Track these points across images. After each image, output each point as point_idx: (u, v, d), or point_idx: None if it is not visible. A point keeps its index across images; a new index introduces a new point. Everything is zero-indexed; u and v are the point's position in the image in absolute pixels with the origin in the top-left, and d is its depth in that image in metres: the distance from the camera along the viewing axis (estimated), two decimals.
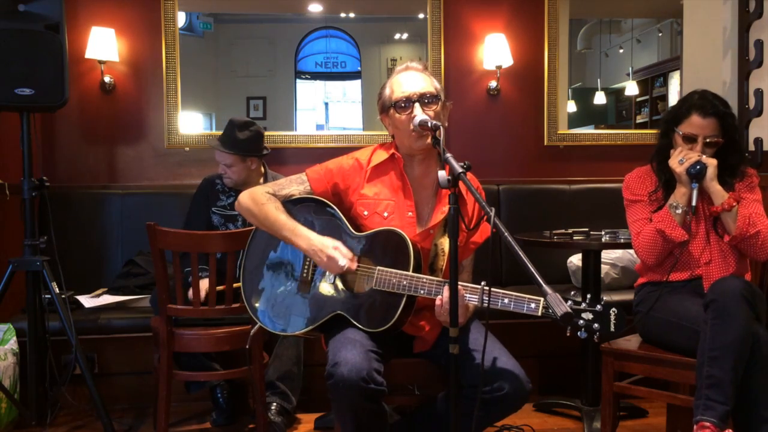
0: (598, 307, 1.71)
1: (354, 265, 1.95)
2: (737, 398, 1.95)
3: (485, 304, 1.80)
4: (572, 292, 1.77)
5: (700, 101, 2.28)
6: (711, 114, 2.25)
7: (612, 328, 1.70)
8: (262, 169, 3.16)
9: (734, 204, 2.20)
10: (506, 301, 1.81)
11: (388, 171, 2.09)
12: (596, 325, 1.71)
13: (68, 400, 3.00)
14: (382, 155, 2.10)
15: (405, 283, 1.89)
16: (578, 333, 1.70)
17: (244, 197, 2.10)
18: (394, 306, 1.90)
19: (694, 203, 2.21)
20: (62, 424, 3.00)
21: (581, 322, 1.71)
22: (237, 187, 3.06)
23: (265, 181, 3.12)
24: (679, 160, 2.24)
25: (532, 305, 1.79)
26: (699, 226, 2.30)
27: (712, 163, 2.22)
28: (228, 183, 3.06)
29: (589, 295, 1.75)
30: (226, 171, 3.03)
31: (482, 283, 1.84)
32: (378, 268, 1.93)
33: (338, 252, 1.93)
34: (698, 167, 2.20)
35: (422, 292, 1.88)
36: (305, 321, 1.99)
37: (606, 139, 4.24)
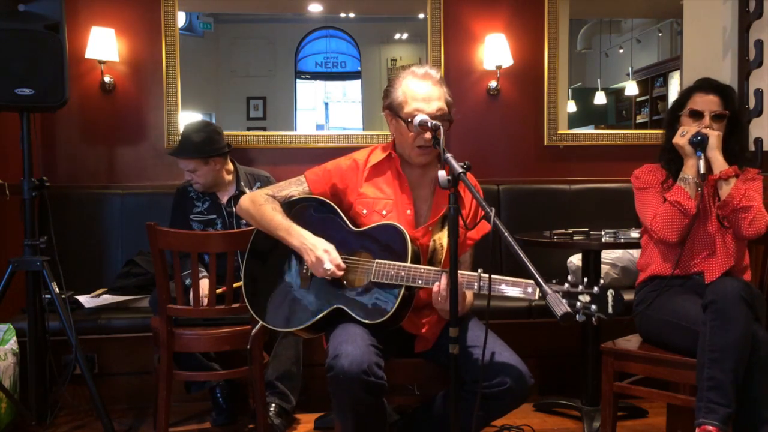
0: (596, 289, 1.71)
1: (339, 273, 1.96)
2: (737, 400, 1.95)
3: (483, 291, 1.81)
4: (569, 276, 1.76)
5: (698, 82, 2.37)
6: (712, 90, 2.32)
7: (610, 310, 1.70)
8: (231, 166, 3.14)
9: (732, 174, 2.21)
10: (503, 286, 1.82)
11: (385, 170, 2.12)
12: (594, 307, 1.70)
13: (68, 400, 3.01)
14: (379, 155, 2.13)
15: (403, 274, 1.91)
16: (576, 317, 1.70)
17: (244, 200, 2.13)
18: (392, 297, 1.92)
19: (702, 171, 2.21)
20: (62, 424, 3.00)
21: (578, 305, 1.71)
22: (208, 191, 3.06)
23: (237, 177, 3.12)
24: (681, 133, 2.28)
25: (530, 289, 1.79)
26: (707, 215, 2.30)
27: (713, 133, 2.25)
28: (198, 188, 3.05)
29: (586, 279, 1.74)
30: (191, 177, 3.01)
31: (479, 270, 1.86)
32: (376, 261, 1.95)
33: (327, 255, 1.95)
34: (700, 137, 2.23)
35: (420, 282, 1.90)
36: (306, 316, 2.00)
37: (606, 139, 4.24)
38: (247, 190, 2.99)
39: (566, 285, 1.72)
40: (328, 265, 1.93)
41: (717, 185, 2.25)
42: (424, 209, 2.10)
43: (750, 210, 2.19)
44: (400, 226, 1.97)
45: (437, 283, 1.87)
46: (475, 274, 1.86)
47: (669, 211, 2.27)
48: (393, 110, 2.06)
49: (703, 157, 2.23)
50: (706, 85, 2.34)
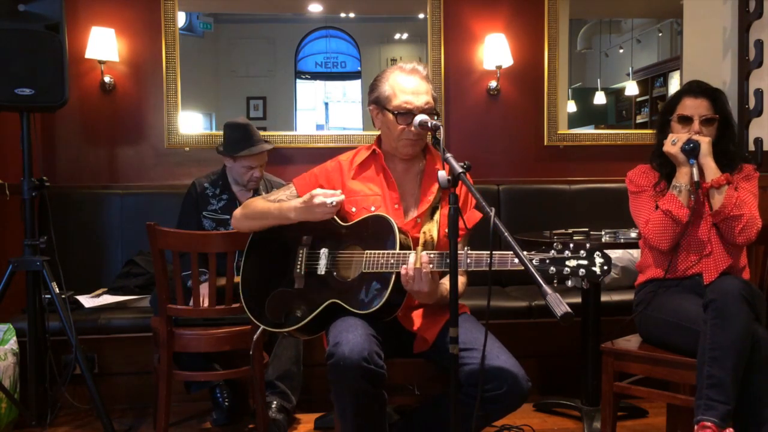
0: (582, 252, 1.70)
1: (341, 197, 2.00)
2: (737, 398, 1.95)
3: (469, 268, 1.84)
4: (555, 243, 1.75)
5: (688, 86, 2.36)
6: (701, 94, 2.31)
7: (598, 271, 1.69)
8: None
9: (724, 183, 2.20)
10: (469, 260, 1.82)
11: (370, 167, 2.16)
12: (582, 271, 1.69)
13: (68, 400, 3.00)
14: (364, 153, 2.17)
15: (392, 261, 1.92)
16: (567, 282, 1.69)
17: (236, 211, 2.19)
18: (384, 284, 1.93)
19: (696, 179, 2.21)
20: (62, 424, 3.01)
21: (567, 270, 1.70)
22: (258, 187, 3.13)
23: None
24: (672, 141, 2.27)
25: (516, 260, 1.75)
26: (701, 210, 2.30)
27: (704, 140, 2.24)
28: (257, 185, 3.10)
29: (572, 244, 1.73)
30: (258, 173, 3.06)
31: (466, 248, 1.87)
32: (366, 252, 1.96)
33: (320, 197, 1.98)
34: (691, 144, 2.22)
35: None
36: (303, 314, 2.01)
37: (606, 139, 4.24)
38: (263, 194, 3.01)
39: (552, 252, 1.72)
40: (329, 200, 1.97)
41: (709, 194, 2.24)
42: (412, 202, 2.13)
43: (741, 218, 2.19)
44: (386, 215, 2.00)
45: (404, 266, 1.87)
46: (462, 252, 1.85)
47: (661, 219, 2.27)
48: (380, 104, 2.09)
49: (696, 164, 2.22)
50: (695, 89, 2.32)
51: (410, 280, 1.86)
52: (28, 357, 2.83)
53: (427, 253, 1.87)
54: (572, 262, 1.70)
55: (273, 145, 3.18)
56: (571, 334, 3.00)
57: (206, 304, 2.54)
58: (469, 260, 1.85)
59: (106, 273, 3.61)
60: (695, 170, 2.22)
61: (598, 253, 1.69)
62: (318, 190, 2.01)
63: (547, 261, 1.71)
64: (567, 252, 1.71)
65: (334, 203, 1.98)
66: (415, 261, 1.85)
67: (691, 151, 2.22)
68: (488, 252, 1.77)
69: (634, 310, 2.40)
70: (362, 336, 1.83)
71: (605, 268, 1.68)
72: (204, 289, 2.64)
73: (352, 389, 1.84)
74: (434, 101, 2.09)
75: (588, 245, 1.71)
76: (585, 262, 1.69)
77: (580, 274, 1.69)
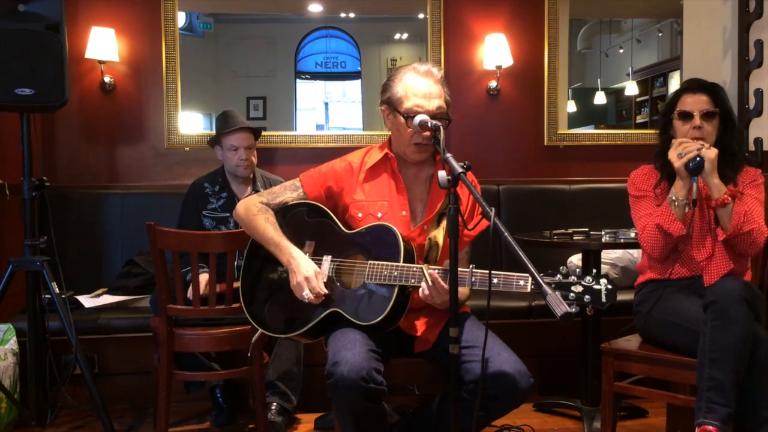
0: (588, 279, 1.70)
1: (317, 301, 1.96)
2: (738, 400, 1.95)
3: (475, 287, 1.83)
4: (561, 267, 1.75)
5: (687, 83, 2.37)
6: (700, 89, 2.32)
7: (603, 299, 1.69)
8: None
9: (729, 201, 2.18)
10: (495, 281, 1.81)
11: (381, 172, 2.12)
12: (587, 297, 1.69)
13: (68, 400, 3.00)
14: (375, 156, 2.13)
15: (396, 273, 1.91)
16: (572, 308, 1.69)
17: (240, 207, 2.13)
18: (387, 297, 1.92)
19: (694, 197, 2.19)
20: (62, 424, 3.00)
21: (571, 295, 1.70)
22: (251, 174, 3.12)
23: (254, 175, 3.19)
24: (678, 154, 2.22)
25: (521, 282, 1.80)
26: (703, 220, 2.29)
27: (710, 156, 2.19)
28: (248, 171, 3.09)
29: (578, 270, 1.74)
30: (247, 156, 3.05)
31: (471, 266, 1.86)
32: (369, 262, 1.95)
33: (307, 283, 1.94)
34: (697, 160, 2.18)
35: (413, 281, 1.90)
36: (303, 321, 2.01)
37: (606, 139, 4.24)
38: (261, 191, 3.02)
39: (558, 276, 1.72)
40: (306, 293, 1.94)
41: (716, 212, 2.22)
42: (420, 208, 2.11)
43: (751, 233, 2.18)
44: (391, 226, 1.98)
45: (423, 283, 1.88)
46: (466, 269, 1.86)
47: (653, 231, 2.27)
48: (392, 105, 2.06)
49: (697, 181, 2.19)
50: (694, 85, 2.33)
51: (428, 298, 1.88)
52: (28, 357, 2.83)
53: (435, 269, 1.87)
54: (578, 288, 1.70)
55: (252, 125, 3.12)
56: (571, 334, 3.00)
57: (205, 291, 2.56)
58: (474, 278, 1.85)
59: (106, 273, 3.61)
60: (695, 187, 2.18)
61: (603, 280, 1.69)
62: (312, 281, 1.94)
63: (553, 285, 1.70)
64: (573, 277, 1.71)
65: (309, 299, 1.94)
66: (427, 282, 1.86)
67: (695, 168, 2.18)
68: (491, 271, 1.78)
69: (634, 310, 2.40)
70: (360, 354, 1.82)
71: (610, 296, 1.68)
72: (203, 278, 2.64)
73: (351, 408, 1.85)
74: (447, 105, 2.06)
75: (594, 271, 1.72)
76: (590, 289, 1.69)
77: (585, 300, 1.69)
